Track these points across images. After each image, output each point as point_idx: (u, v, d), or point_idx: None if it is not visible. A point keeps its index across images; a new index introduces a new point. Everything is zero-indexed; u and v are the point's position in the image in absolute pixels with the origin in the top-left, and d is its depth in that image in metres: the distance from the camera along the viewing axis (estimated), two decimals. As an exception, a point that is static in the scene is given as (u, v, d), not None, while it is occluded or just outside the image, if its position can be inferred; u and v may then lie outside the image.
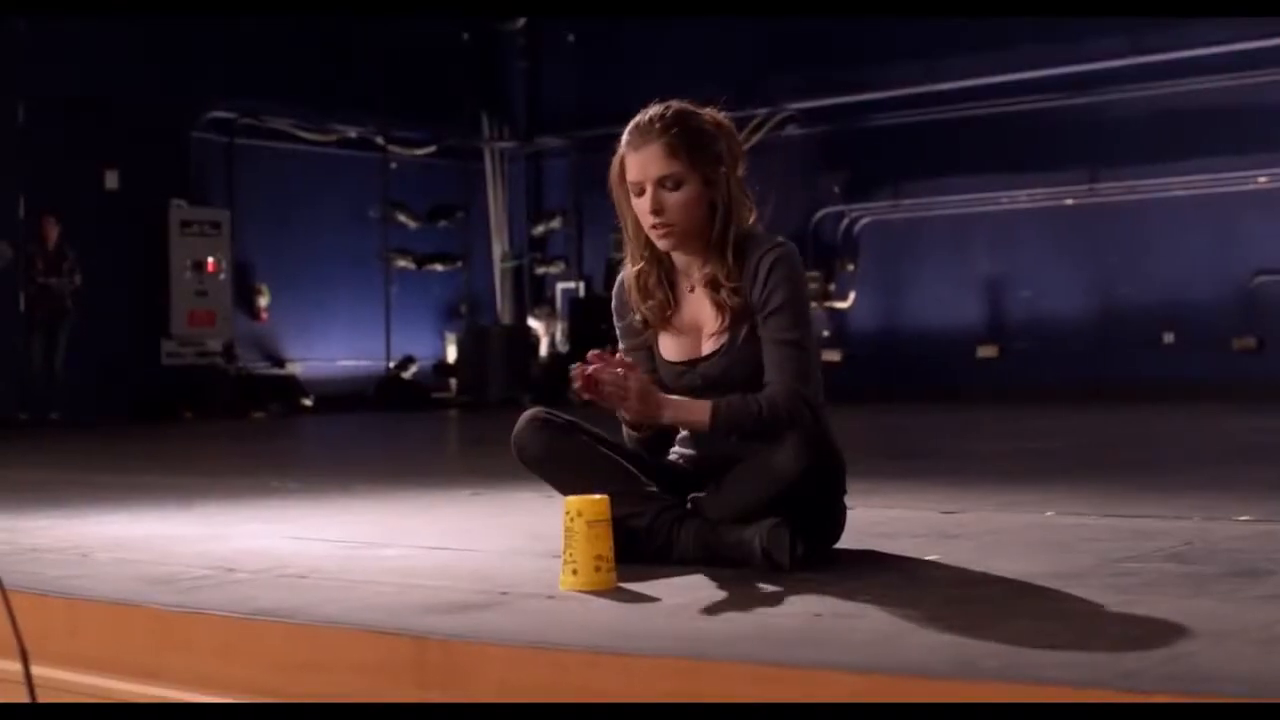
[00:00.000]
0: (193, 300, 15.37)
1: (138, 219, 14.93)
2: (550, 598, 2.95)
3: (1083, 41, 14.05)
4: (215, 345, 15.47)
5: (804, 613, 2.70)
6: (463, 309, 18.13)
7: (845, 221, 16.15)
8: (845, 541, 3.52)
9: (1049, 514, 4.32)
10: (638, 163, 3.37)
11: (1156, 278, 14.24)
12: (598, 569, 3.07)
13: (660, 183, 3.35)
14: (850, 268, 16.12)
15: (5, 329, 13.44)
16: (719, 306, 3.39)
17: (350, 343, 16.89)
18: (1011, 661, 2.24)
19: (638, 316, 3.51)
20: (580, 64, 17.32)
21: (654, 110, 3.42)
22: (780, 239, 3.40)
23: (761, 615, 2.72)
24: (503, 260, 18.66)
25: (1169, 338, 14.11)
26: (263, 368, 16.21)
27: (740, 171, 3.48)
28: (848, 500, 3.49)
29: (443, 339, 17.97)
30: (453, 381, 17.21)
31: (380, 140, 17.22)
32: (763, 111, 16.18)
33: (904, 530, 3.98)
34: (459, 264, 18.00)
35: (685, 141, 3.36)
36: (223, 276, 15.59)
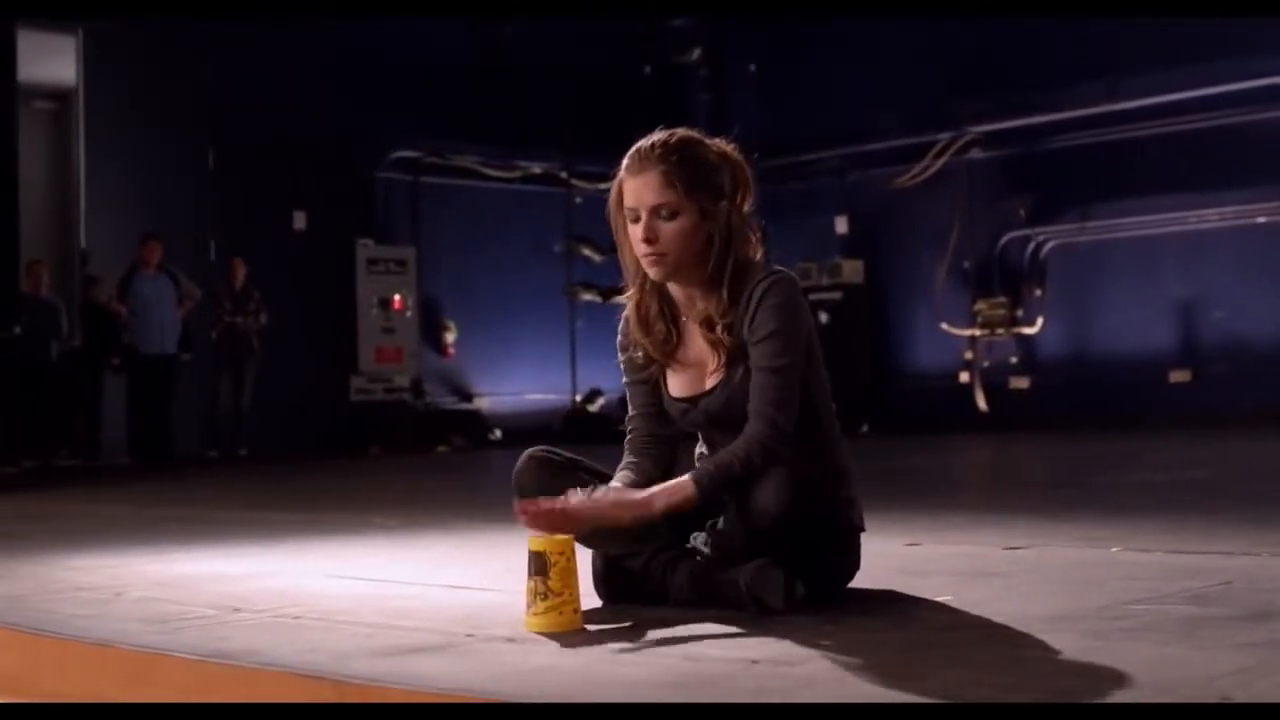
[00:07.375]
0: (379, 337, 15.68)
1: (325, 258, 15.32)
2: (510, 640, 2.90)
3: (1267, 54, 13.50)
4: (403, 381, 15.76)
5: (742, 659, 2.60)
6: (647, 341, 18.13)
7: (1031, 245, 15.74)
8: (869, 579, 3.40)
9: (1114, 550, 4.11)
10: (634, 189, 3.27)
11: (1356, 296, 13.62)
12: (576, 610, 3.03)
13: (655, 211, 3.25)
14: (1038, 292, 15.71)
15: (195, 368, 13.87)
16: (714, 345, 3.28)
17: (536, 377, 17.01)
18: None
19: (639, 352, 3.42)
20: (762, 95, 17.19)
21: (658, 136, 3.33)
22: (778, 268, 3.28)
23: (695, 662, 2.62)
24: (688, 291, 18.63)
25: (1370, 359, 13.46)
26: (450, 403, 16.44)
27: (747, 205, 3.38)
28: (883, 535, 3.36)
29: (632, 371, 17.99)
30: (639, 413, 17.21)
31: (564, 175, 17.35)
32: (945, 136, 15.92)
33: (943, 568, 3.83)
34: (644, 296, 18.00)
35: (684, 171, 3.26)
36: (409, 313, 15.89)
